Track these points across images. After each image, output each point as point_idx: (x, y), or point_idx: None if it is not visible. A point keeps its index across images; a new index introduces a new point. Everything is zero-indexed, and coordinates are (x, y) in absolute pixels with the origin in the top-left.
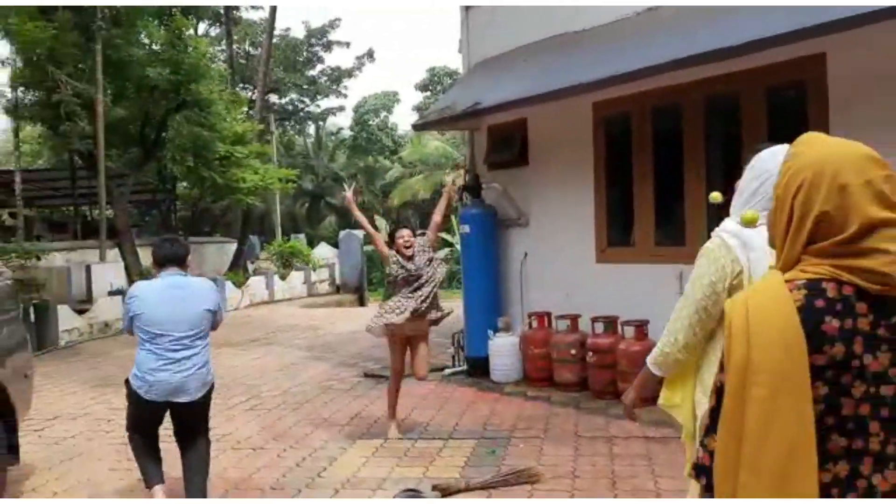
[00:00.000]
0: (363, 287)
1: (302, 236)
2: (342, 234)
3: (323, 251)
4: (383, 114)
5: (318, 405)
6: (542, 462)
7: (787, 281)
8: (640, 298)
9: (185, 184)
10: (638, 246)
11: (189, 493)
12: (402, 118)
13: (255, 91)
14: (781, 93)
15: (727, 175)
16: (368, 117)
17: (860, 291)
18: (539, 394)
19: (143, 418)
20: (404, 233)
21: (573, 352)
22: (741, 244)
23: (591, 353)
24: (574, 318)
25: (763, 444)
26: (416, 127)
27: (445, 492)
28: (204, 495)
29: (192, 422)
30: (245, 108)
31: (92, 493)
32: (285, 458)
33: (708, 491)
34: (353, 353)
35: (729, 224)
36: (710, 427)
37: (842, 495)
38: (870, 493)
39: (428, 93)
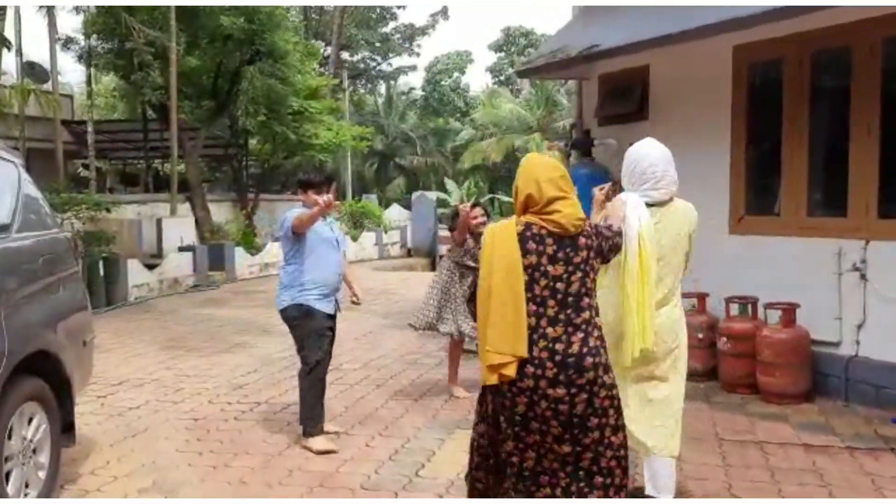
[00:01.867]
0: (436, 251)
1: (373, 197)
2: (415, 195)
3: (394, 213)
4: (455, 74)
5: (405, 382)
6: (684, 471)
7: (516, 224)
8: (785, 278)
9: (256, 139)
10: (785, 216)
11: None
12: (475, 79)
13: (328, 46)
14: None
15: None
16: (440, 77)
17: (550, 232)
18: None
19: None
20: (476, 210)
21: (700, 336)
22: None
23: (723, 339)
24: (702, 298)
25: (498, 299)
26: (520, 74)
27: None
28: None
29: None
30: (317, 65)
31: (157, 481)
32: (375, 449)
33: None
34: None
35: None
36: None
37: (531, 335)
38: (545, 336)
39: (502, 53)
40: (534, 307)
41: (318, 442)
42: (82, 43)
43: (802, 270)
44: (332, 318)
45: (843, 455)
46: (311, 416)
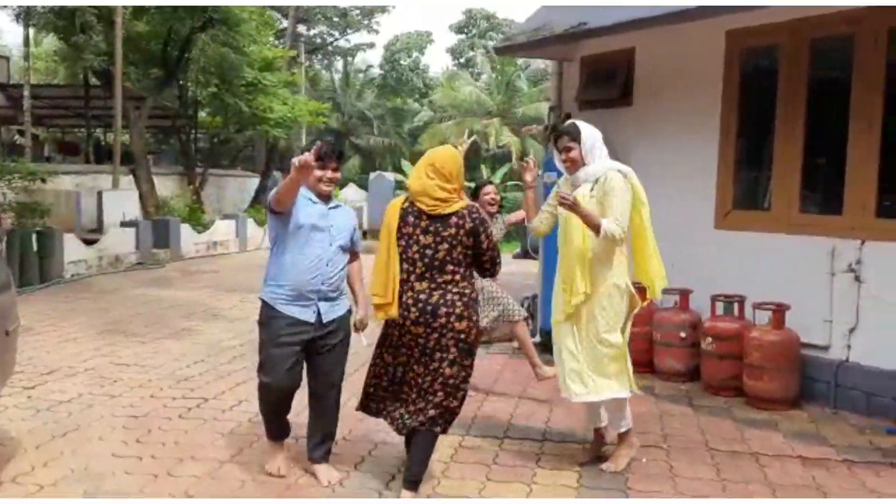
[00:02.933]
0: None
1: None
2: (373, 175)
3: (351, 193)
4: (415, 54)
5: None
6: (679, 488)
7: (403, 201)
8: (773, 277)
9: (207, 111)
10: (775, 211)
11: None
12: (435, 60)
13: (285, 18)
14: None
15: None
16: (399, 56)
17: (422, 210)
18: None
19: None
20: (490, 188)
21: (682, 335)
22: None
23: (708, 339)
24: (684, 294)
25: (381, 257)
26: (498, 50)
27: None
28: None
29: None
30: (272, 37)
31: (89, 491)
32: (339, 456)
33: None
34: None
35: (617, 164)
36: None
37: (402, 286)
38: (412, 289)
39: (463, 35)
40: (406, 266)
41: (271, 461)
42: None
43: (792, 269)
44: (320, 328)
45: (841, 469)
46: (267, 427)
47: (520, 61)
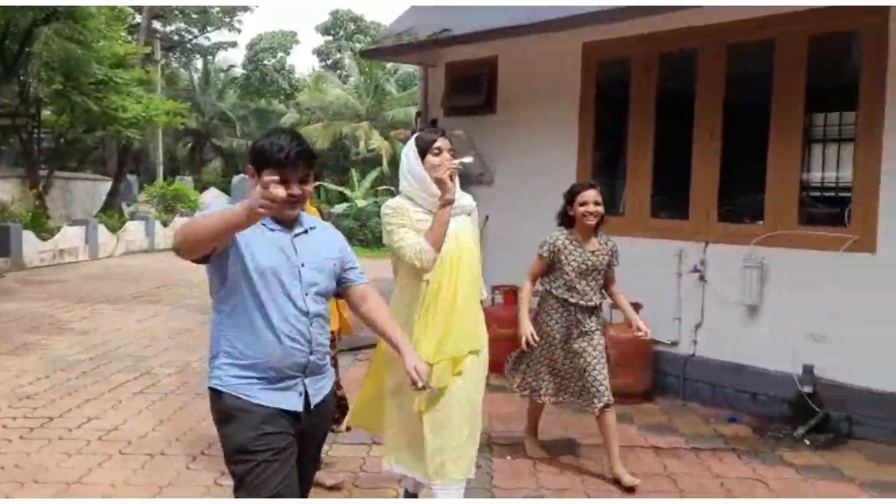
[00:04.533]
0: None
1: (188, 179)
2: (236, 179)
3: (212, 198)
4: (280, 54)
5: None
6: (540, 483)
7: None
8: (627, 279)
9: (51, 109)
10: (629, 216)
11: None
12: (301, 61)
13: (139, 13)
14: (827, 43)
15: (751, 135)
16: (263, 56)
17: None
18: (505, 383)
19: None
20: (591, 194)
21: None
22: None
23: None
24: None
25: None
26: (364, 54)
27: None
28: None
29: None
30: (125, 32)
31: None
32: (198, 472)
33: None
34: None
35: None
36: None
37: None
38: None
39: (330, 36)
40: None
41: None
42: None
43: (645, 271)
44: (307, 416)
45: (690, 456)
46: None
47: (389, 65)
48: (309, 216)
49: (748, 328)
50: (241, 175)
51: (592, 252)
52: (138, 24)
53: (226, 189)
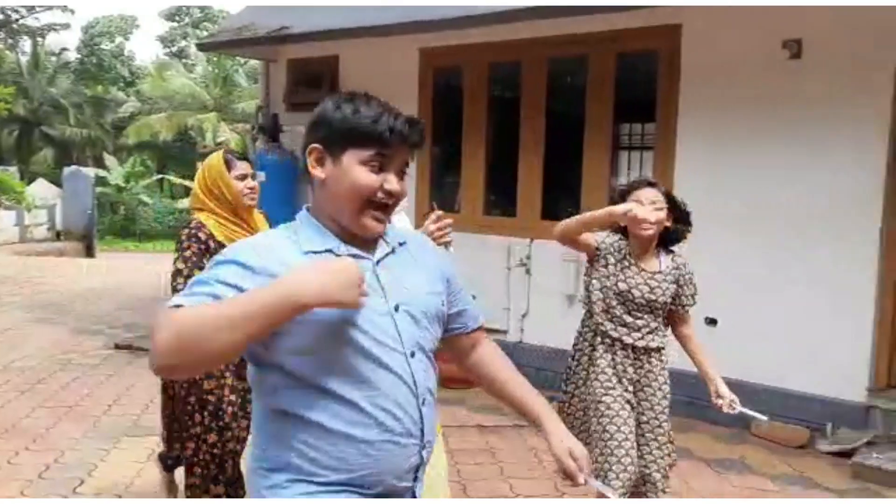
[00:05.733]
0: (92, 235)
1: (13, 169)
2: (67, 171)
3: (41, 189)
4: (119, 39)
5: (57, 387)
6: None
7: None
8: (462, 272)
9: None
10: (464, 213)
11: None
12: (143, 47)
13: None
14: (632, 61)
15: (569, 142)
16: (100, 41)
17: None
18: None
19: None
20: (650, 194)
21: None
22: None
23: None
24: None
25: None
26: (201, 47)
27: None
28: None
29: None
30: None
31: None
32: (21, 466)
33: None
34: (93, 316)
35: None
36: None
37: None
38: None
39: (175, 23)
40: None
41: None
42: None
43: (477, 265)
44: None
45: (511, 433)
46: None
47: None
48: (396, 229)
49: (567, 316)
50: (75, 166)
51: (652, 275)
52: None
53: (56, 181)
